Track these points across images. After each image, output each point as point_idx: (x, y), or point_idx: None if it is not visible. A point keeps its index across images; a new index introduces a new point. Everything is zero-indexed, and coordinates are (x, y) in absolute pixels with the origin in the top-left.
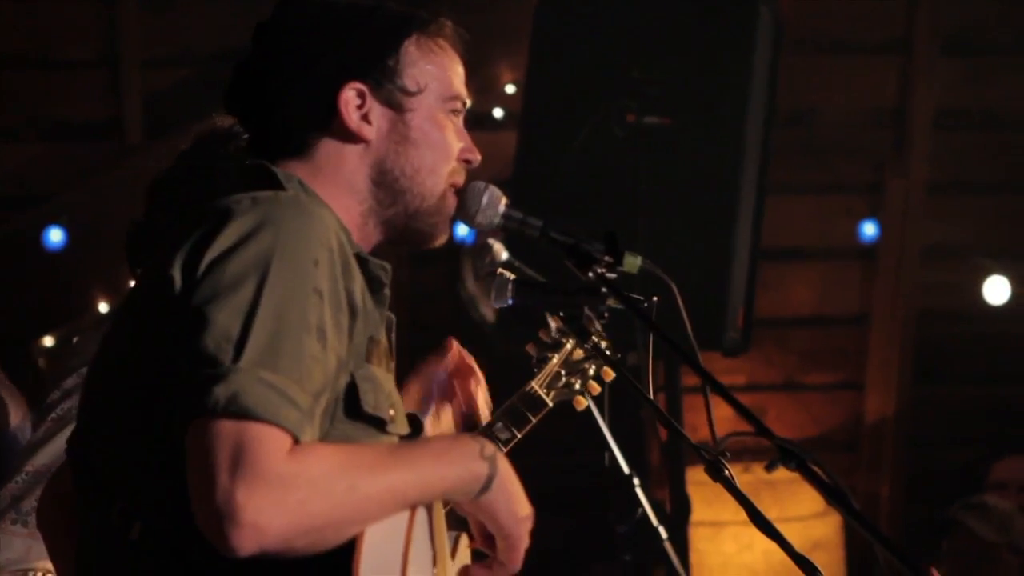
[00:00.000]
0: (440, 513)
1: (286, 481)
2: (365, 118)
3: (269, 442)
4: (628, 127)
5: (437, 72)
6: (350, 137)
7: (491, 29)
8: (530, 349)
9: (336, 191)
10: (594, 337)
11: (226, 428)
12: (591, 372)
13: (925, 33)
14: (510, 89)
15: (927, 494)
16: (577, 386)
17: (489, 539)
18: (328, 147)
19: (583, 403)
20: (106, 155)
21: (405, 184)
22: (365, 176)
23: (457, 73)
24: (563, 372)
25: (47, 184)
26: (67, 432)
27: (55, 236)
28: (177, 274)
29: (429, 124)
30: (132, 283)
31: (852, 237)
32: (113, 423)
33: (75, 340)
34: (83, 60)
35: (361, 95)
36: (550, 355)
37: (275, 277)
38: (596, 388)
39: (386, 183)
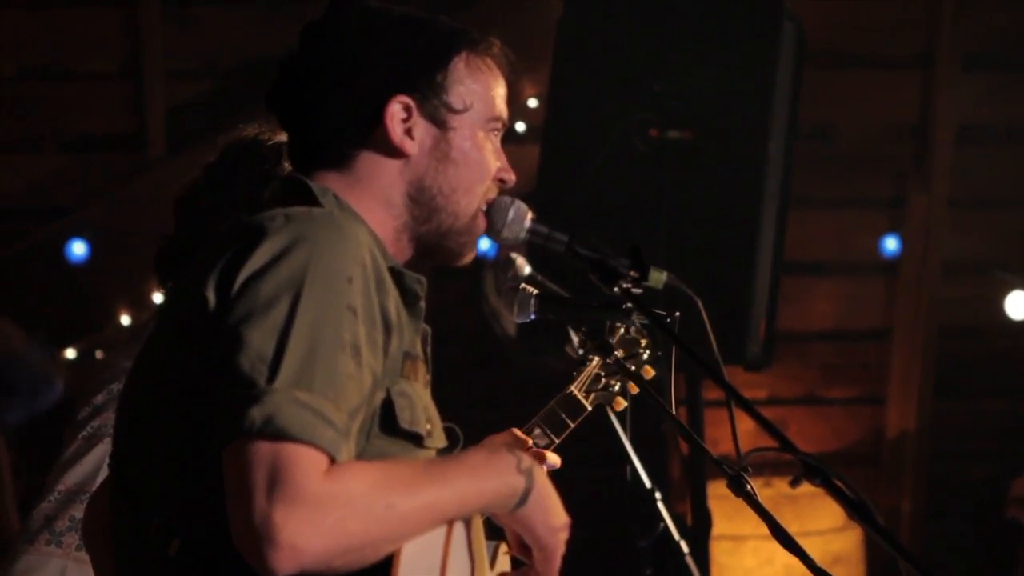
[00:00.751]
0: (478, 523)
1: (323, 501)
2: (408, 133)
3: (305, 462)
4: (651, 141)
5: (482, 92)
6: (392, 151)
7: (514, 44)
8: (570, 351)
9: (372, 204)
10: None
11: (262, 449)
12: (632, 370)
13: (947, 48)
14: (533, 103)
15: (948, 509)
16: (616, 388)
17: (525, 548)
18: (368, 159)
19: (622, 404)
20: (129, 167)
21: (441, 202)
22: (402, 191)
23: (500, 94)
24: (602, 374)
25: (70, 196)
26: (99, 450)
27: (78, 249)
28: (211, 294)
29: (470, 144)
30: (159, 296)
31: (874, 252)
32: (149, 441)
33: (99, 354)
34: (106, 72)
35: (407, 109)
36: (590, 358)
37: (308, 296)
38: (635, 388)
39: (423, 200)
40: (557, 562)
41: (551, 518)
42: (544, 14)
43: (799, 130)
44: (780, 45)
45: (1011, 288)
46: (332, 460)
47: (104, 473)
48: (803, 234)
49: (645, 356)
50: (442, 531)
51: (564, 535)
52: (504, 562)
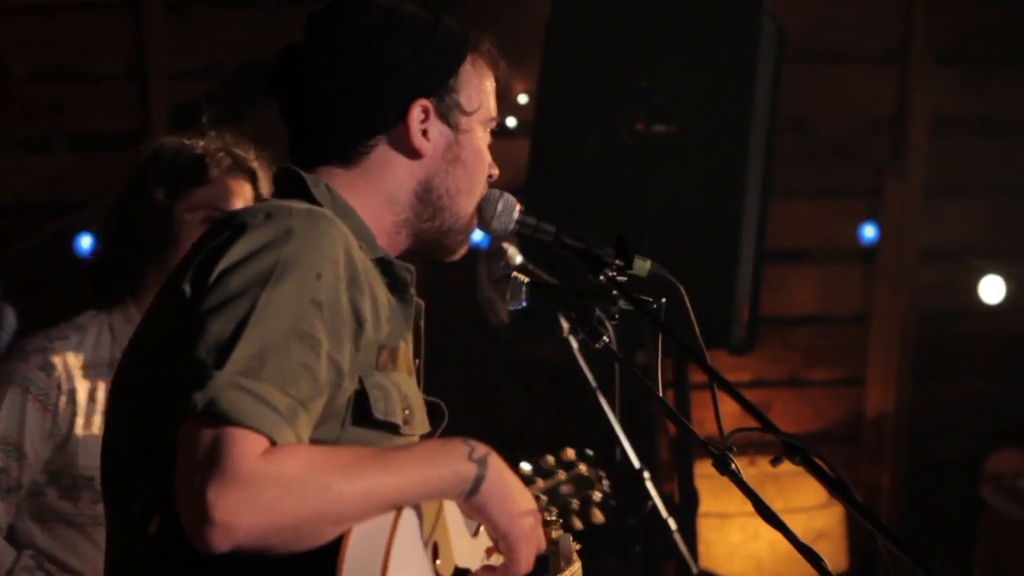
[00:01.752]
0: (437, 508)
1: (256, 481)
2: (424, 134)
3: (242, 444)
4: (637, 135)
5: (485, 92)
6: (407, 151)
7: (504, 40)
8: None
9: (375, 200)
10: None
11: (203, 432)
12: (575, 505)
13: (922, 43)
14: (523, 99)
15: (926, 485)
16: (576, 507)
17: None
18: (379, 156)
19: (579, 524)
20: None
21: (447, 202)
22: (410, 190)
23: (493, 93)
24: (543, 499)
25: (78, 193)
26: None
27: (86, 242)
28: (188, 286)
29: (478, 145)
30: None
31: (853, 239)
32: (136, 425)
33: None
34: (113, 73)
35: (425, 111)
36: (558, 473)
37: (273, 289)
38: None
39: (429, 199)
40: (523, 551)
41: (509, 505)
42: (533, 11)
43: (779, 123)
44: (760, 42)
45: (985, 273)
46: (273, 443)
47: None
48: (784, 223)
49: (597, 498)
50: (389, 519)
51: (527, 522)
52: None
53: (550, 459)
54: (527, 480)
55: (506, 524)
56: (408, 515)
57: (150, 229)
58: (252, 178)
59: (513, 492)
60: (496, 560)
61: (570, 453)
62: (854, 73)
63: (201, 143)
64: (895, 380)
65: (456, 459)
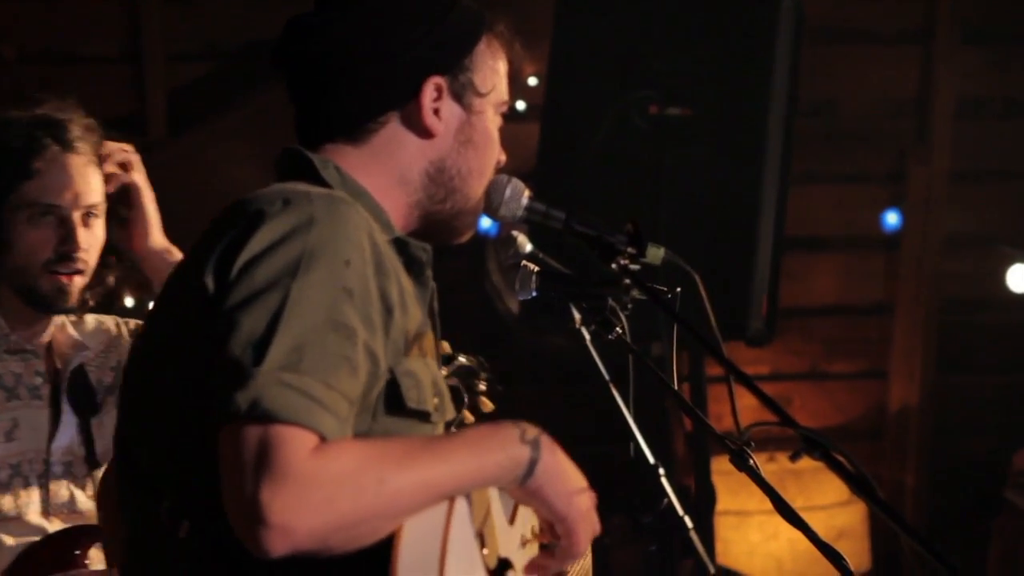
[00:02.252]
0: (485, 495)
1: (311, 479)
2: (436, 113)
3: (292, 442)
4: (650, 118)
5: (499, 74)
6: (418, 130)
7: (514, 21)
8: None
9: (387, 180)
10: (617, 328)
11: (250, 432)
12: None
13: (946, 22)
14: (532, 81)
15: (951, 482)
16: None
17: (552, 528)
18: (390, 134)
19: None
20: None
21: (458, 184)
22: (421, 170)
23: (506, 76)
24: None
25: None
26: None
27: None
28: (210, 279)
29: (490, 127)
30: None
31: (875, 226)
32: (155, 425)
33: None
34: (106, 55)
35: (439, 89)
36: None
37: (303, 280)
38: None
39: (441, 180)
40: (581, 534)
41: (564, 485)
42: None
43: (799, 106)
44: (779, 21)
45: (1012, 261)
46: (322, 439)
47: None
48: (804, 210)
49: (482, 387)
50: (443, 509)
51: (584, 501)
52: (528, 515)
53: None
54: None
55: (564, 506)
56: (461, 505)
57: None
58: (87, 156)
59: (568, 472)
60: (532, 550)
61: (446, 347)
62: (876, 53)
63: (24, 122)
64: (919, 373)
65: (509, 443)
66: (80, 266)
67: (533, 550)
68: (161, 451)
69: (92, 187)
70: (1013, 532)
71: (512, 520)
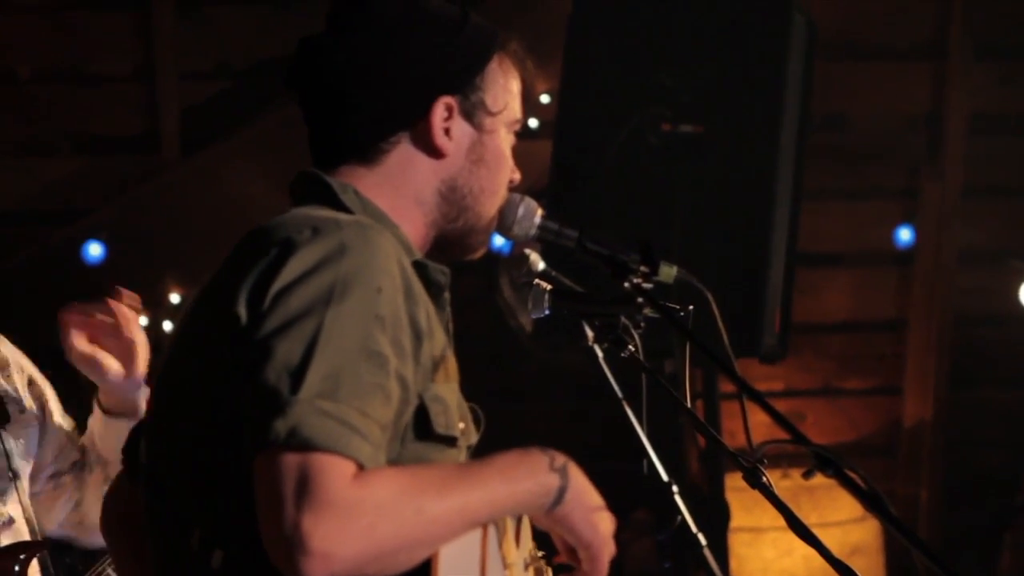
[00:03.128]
0: (506, 518)
1: (352, 507)
2: (447, 132)
3: (332, 470)
4: (662, 136)
5: (511, 93)
6: (429, 150)
7: (525, 39)
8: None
9: (402, 202)
10: (630, 346)
11: (289, 460)
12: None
13: (959, 38)
14: (544, 99)
15: (966, 498)
16: None
17: (572, 551)
18: (401, 155)
19: None
20: (143, 168)
21: (471, 202)
22: (434, 189)
23: (519, 95)
24: None
25: (85, 198)
26: None
27: (94, 250)
28: (243, 309)
29: (502, 146)
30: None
31: (888, 242)
32: (185, 454)
33: None
34: (120, 74)
35: (449, 109)
36: None
37: (336, 309)
38: None
39: (454, 199)
40: (605, 560)
41: (591, 515)
42: (554, 7)
43: (811, 122)
44: (791, 37)
45: None
46: (360, 467)
47: None
48: (817, 226)
49: None
50: (478, 535)
51: (608, 529)
52: (525, 536)
53: None
54: None
55: (590, 533)
56: (492, 530)
57: None
58: None
59: (593, 499)
60: (531, 573)
61: None
62: (888, 69)
63: None
64: (933, 389)
65: (539, 471)
66: None
67: (531, 573)
68: (192, 481)
69: None
70: None
71: (517, 542)
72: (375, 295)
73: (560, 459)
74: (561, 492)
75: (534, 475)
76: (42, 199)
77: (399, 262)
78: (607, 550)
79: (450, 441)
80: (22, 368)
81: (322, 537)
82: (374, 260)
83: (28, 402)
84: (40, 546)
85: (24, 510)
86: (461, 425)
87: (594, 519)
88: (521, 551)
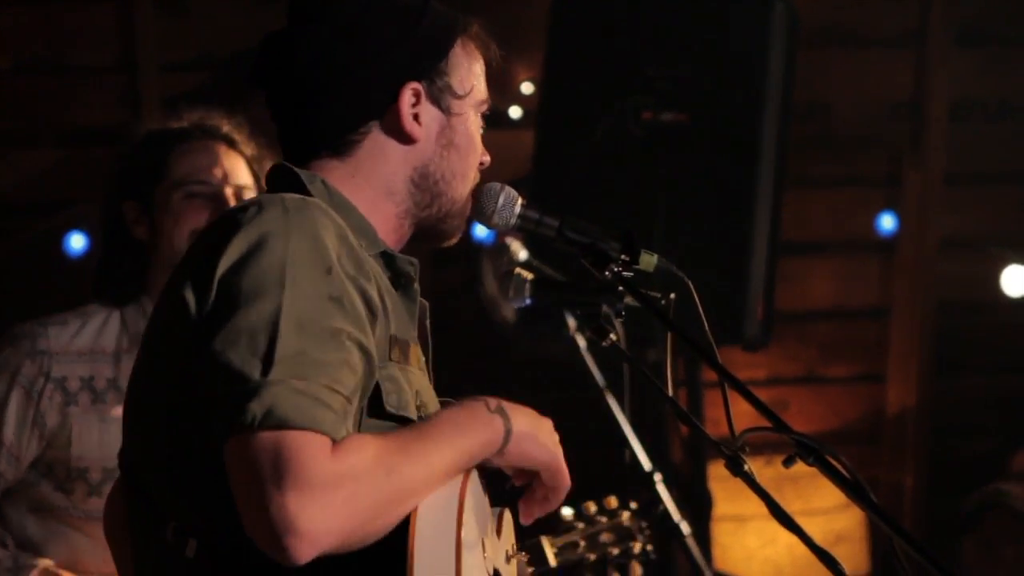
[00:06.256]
0: (486, 508)
1: (332, 481)
2: (416, 119)
3: (310, 447)
4: (645, 124)
5: (476, 75)
6: (399, 137)
7: (507, 28)
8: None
9: (372, 193)
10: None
11: (265, 441)
12: (613, 553)
13: (939, 25)
14: (527, 88)
15: (950, 485)
16: (591, 559)
17: (524, 473)
18: (371, 145)
19: None
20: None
21: (443, 187)
22: (405, 177)
23: (483, 76)
24: (581, 544)
25: (67, 190)
26: None
27: (76, 242)
28: (189, 294)
29: (470, 129)
30: None
31: (870, 230)
32: (155, 444)
33: None
34: (101, 65)
35: (416, 94)
36: (577, 524)
37: (291, 288)
38: None
39: (426, 186)
40: (565, 471)
41: (540, 438)
42: None
43: (793, 109)
44: (772, 25)
45: (1008, 263)
46: (333, 441)
47: None
48: (799, 214)
49: (636, 550)
50: (454, 495)
51: (555, 441)
52: (509, 531)
53: (592, 506)
54: (567, 527)
55: (544, 456)
56: (473, 476)
57: (137, 223)
58: (229, 142)
59: (535, 424)
60: (513, 566)
61: (613, 502)
62: (870, 56)
63: (174, 123)
64: (916, 376)
65: (484, 417)
66: None
67: (513, 566)
68: (163, 471)
69: (241, 170)
70: (996, 528)
71: (499, 533)
72: (325, 275)
73: (493, 402)
74: (508, 432)
75: (482, 422)
76: (24, 190)
77: (344, 239)
78: (561, 460)
79: (404, 422)
80: None
81: (309, 517)
82: (318, 236)
83: None
84: None
85: None
86: (419, 408)
87: (542, 440)
88: (503, 543)
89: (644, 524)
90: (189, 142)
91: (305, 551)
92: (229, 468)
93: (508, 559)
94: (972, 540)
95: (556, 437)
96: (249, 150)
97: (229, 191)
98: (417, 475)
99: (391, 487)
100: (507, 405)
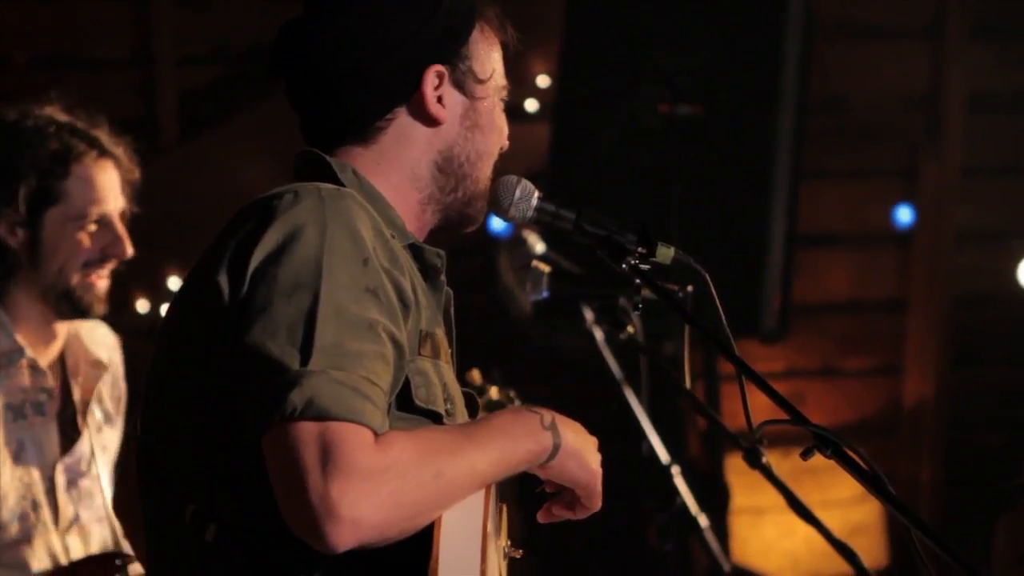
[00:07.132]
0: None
1: (377, 473)
2: (440, 101)
3: (353, 438)
4: (661, 117)
5: (496, 60)
6: (425, 120)
7: (524, 21)
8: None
9: (397, 179)
10: (629, 328)
11: (308, 430)
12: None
13: (956, 17)
14: (543, 81)
15: (967, 477)
16: None
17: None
18: (397, 130)
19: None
20: (141, 154)
21: (468, 170)
22: (430, 162)
23: (501, 61)
24: None
25: None
26: None
27: None
28: (224, 280)
29: (494, 111)
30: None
31: (887, 222)
32: (177, 429)
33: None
34: (117, 59)
35: (440, 76)
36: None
37: (328, 279)
38: None
39: (450, 169)
40: (600, 491)
41: (584, 460)
42: None
43: (809, 102)
44: (788, 17)
45: None
46: (375, 434)
47: None
48: (816, 206)
49: None
50: (480, 493)
51: (597, 462)
52: (505, 526)
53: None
54: None
55: (585, 477)
56: (493, 489)
57: (12, 234)
58: (115, 159)
59: (584, 445)
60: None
61: (476, 376)
62: (886, 49)
63: (55, 127)
64: (933, 368)
65: (534, 430)
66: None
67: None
68: (187, 456)
69: (123, 188)
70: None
71: (498, 532)
72: (362, 267)
73: (548, 416)
74: (556, 448)
75: (531, 435)
76: None
77: (379, 231)
78: (599, 481)
79: (433, 417)
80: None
81: (350, 504)
82: (355, 228)
83: (113, 408)
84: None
85: (108, 516)
86: (447, 405)
87: (585, 462)
88: (500, 541)
89: (512, 393)
90: (84, 163)
91: (345, 539)
92: (269, 456)
93: (506, 556)
94: (1006, 520)
95: (599, 458)
96: (124, 164)
97: (119, 214)
98: (462, 478)
99: (436, 487)
100: (559, 419)
